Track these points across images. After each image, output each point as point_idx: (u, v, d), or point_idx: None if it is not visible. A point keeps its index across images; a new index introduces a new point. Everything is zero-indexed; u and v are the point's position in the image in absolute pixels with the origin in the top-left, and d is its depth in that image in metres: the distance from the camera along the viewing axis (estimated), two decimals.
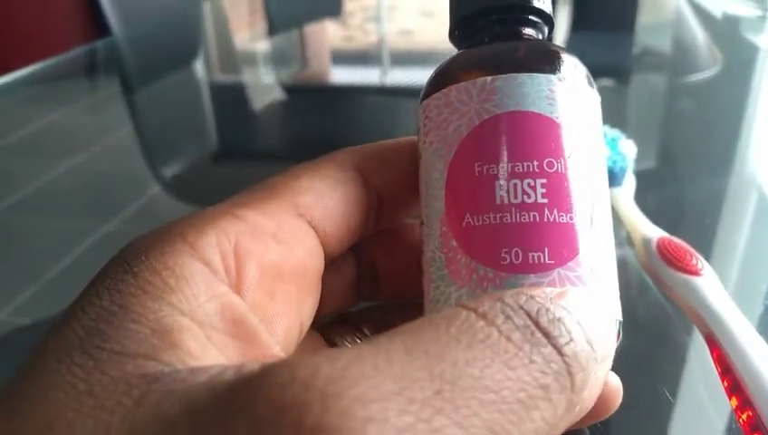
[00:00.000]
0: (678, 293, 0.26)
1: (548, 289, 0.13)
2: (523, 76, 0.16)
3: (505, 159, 0.15)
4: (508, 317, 0.12)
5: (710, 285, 0.25)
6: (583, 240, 0.15)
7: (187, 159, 0.60)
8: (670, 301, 0.27)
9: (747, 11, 0.77)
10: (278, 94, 0.78)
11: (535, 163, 0.15)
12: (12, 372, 0.12)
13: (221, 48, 0.97)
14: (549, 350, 0.11)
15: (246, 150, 0.64)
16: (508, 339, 0.11)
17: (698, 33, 0.80)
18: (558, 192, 0.15)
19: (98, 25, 0.91)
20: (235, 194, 0.16)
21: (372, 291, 0.20)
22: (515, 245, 0.15)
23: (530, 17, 0.18)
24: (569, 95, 0.16)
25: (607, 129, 0.35)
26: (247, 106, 0.75)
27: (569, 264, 0.15)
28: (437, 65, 0.18)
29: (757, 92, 0.59)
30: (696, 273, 0.26)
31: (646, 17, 0.86)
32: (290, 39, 1.02)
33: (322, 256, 0.17)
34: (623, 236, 0.32)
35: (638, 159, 0.37)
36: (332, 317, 0.20)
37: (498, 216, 0.15)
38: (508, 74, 0.16)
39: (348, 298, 0.20)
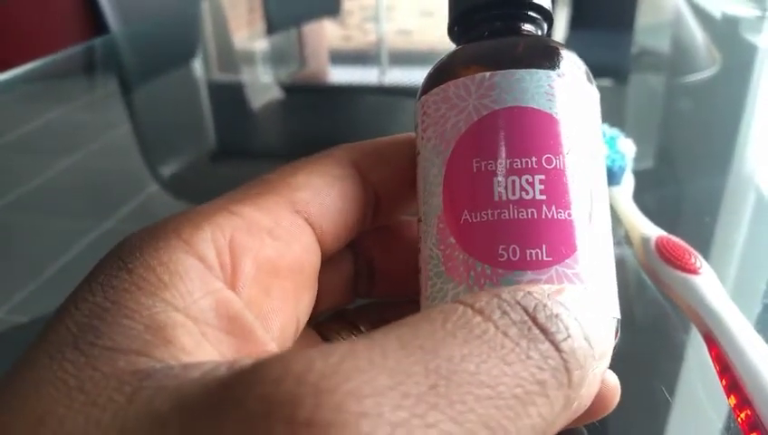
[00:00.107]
0: (677, 291, 0.26)
1: (545, 286, 0.13)
2: (522, 72, 0.16)
3: (504, 155, 0.15)
4: (505, 313, 0.11)
5: (709, 284, 0.25)
6: (581, 237, 0.15)
7: (185, 158, 0.60)
8: (669, 299, 0.27)
9: (746, 11, 0.77)
10: (276, 93, 0.78)
11: (534, 159, 0.15)
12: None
13: (219, 47, 0.96)
14: (546, 346, 0.11)
15: (245, 149, 0.64)
16: (505, 335, 0.11)
17: (697, 34, 0.80)
18: (556, 189, 0.15)
19: (96, 23, 0.91)
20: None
21: (369, 288, 0.20)
22: (513, 241, 0.15)
23: (529, 13, 0.18)
24: (568, 91, 0.16)
25: (606, 127, 0.35)
26: (246, 105, 0.75)
27: (566, 261, 0.15)
28: (434, 64, 0.18)
29: (756, 93, 0.59)
30: (694, 271, 0.26)
31: (645, 17, 0.86)
32: (288, 38, 1.02)
33: (319, 252, 0.17)
34: (621, 234, 0.32)
35: (637, 159, 0.37)
36: (329, 314, 0.20)
37: (496, 212, 0.15)
38: (507, 70, 0.16)
39: (344, 295, 0.20)
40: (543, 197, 0.15)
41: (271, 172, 0.17)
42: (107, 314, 0.12)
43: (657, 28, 0.88)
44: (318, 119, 0.67)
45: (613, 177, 0.34)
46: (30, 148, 0.62)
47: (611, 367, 0.14)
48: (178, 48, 0.86)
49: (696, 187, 0.45)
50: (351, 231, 0.18)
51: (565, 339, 0.12)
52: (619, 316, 0.16)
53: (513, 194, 0.15)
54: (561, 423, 0.12)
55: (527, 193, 0.15)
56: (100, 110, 0.73)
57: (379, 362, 0.10)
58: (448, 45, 0.19)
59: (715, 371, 0.23)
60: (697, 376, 0.26)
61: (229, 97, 0.77)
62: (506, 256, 0.15)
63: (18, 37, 1.21)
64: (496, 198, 0.15)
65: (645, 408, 0.25)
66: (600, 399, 0.14)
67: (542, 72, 0.16)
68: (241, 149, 0.63)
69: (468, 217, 0.15)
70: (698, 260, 0.27)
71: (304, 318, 0.17)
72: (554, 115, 0.15)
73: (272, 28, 1.03)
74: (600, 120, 0.17)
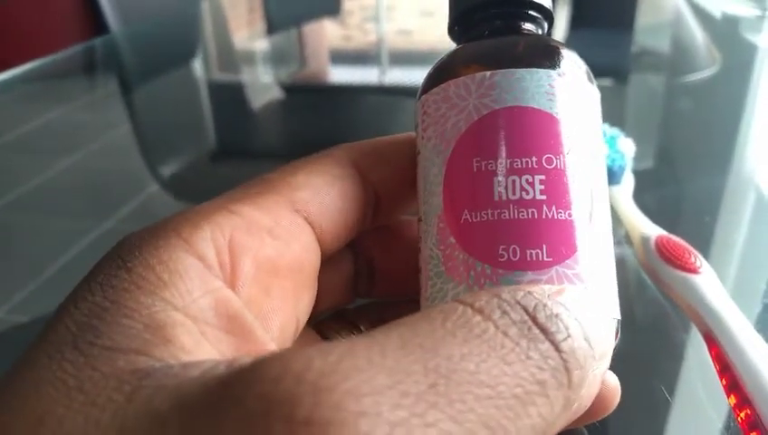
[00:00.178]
0: (677, 291, 0.26)
1: (546, 286, 0.13)
2: (523, 71, 0.16)
3: (504, 154, 0.15)
4: (505, 313, 0.11)
5: (709, 284, 0.25)
6: (582, 238, 0.15)
7: (185, 158, 0.60)
8: (669, 299, 0.27)
9: (746, 11, 0.77)
10: (276, 93, 0.78)
11: (534, 159, 0.15)
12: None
13: (220, 47, 0.96)
14: (546, 346, 0.11)
15: (245, 149, 0.64)
16: (505, 334, 0.11)
17: (697, 33, 0.80)
18: (556, 189, 0.15)
19: (96, 23, 0.91)
20: None
21: (369, 288, 0.20)
22: (513, 241, 0.15)
23: (529, 12, 0.17)
24: (568, 91, 0.16)
25: (606, 127, 0.35)
26: (246, 105, 0.75)
27: (567, 261, 0.14)
28: (434, 64, 0.18)
29: (756, 92, 0.59)
30: (694, 271, 0.26)
31: (645, 17, 0.86)
32: (288, 38, 1.02)
33: (319, 252, 0.17)
34: (621, 234, 0.32)
35: (637, 159, 0.37)
36: (329, 314, 0.20)
37: (496, 212, 0.15)
38: (507, 69, 0.16)
39: (344, 295, 0.20)
40: (544, 197, 0.15)
41: (271, 172, 0.17)
42: (106, 314, 0.12)
43: (657, 28, 0.88)
44: (318, 119, 0.67)
45: (613, 176, 0.34)
46: (30, 148, 0.62)
47: (611, 367, 0.14)
48: (178, 48, 0.86)
49: (696, 186, 0.45)
50: (351, 231, 0.18)
51: (565, 339, 0.12)
52: (620, 317, 0.16)
53: (514, 194, 0.15)
54: (561, 424, 0.12)
55: (527, 193, 0.15)
56: (100, 110, 0.73)
57: (377, 360, 0.10)
58: (448, 45, 0.19)
59: (715, 370, 0.23)
60: (697, 376, 0.26)
61: (229, 97, 0.77)
62: (506, 256, 0.15)
63: (18, 37, 1.21)
64: (496, 198, 0.15)
65: (645, 407, 0.25)
66: (600, 399, 0.14)
67: (542, 72, 0.16)
68: (241, 149, 0.63)
69: (468, 216, 0.15)
70: (698, 260, 0.27)
71: (304, 318, 0.17)
72: (555, 115, 0.15)
73: (272, 28, 1.03)
74: (600, 120, 0.17)
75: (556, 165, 0.15)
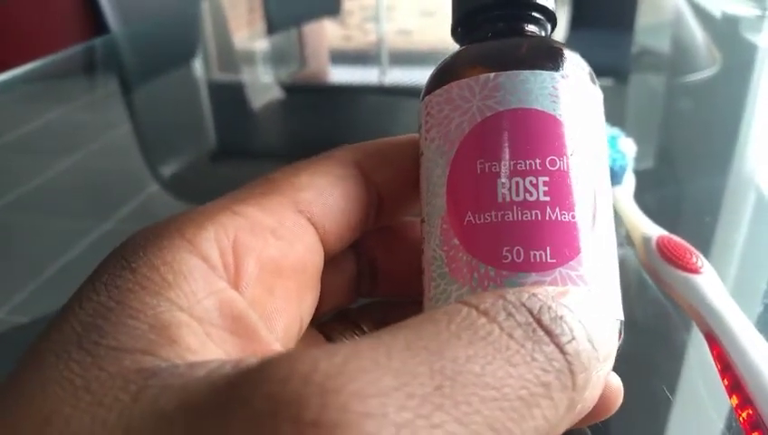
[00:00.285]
0: (678, 291, 0.26)
1: (550, 287, 0.13)
2: (526, 73, 0.16)
3: (507, 156, 0.15)
4: (510, 314, 0.11)
5: (710, 283, 0.25)
6: (585, 239, 0.15)
7: (185, 158, 0.60)
8: (670, 299, 0.27)
9: (747, 11, 0.77)
10: (277, 93, 0.78)
11: (538, 161, 0.15)
12: (10, 370, 0.12)
13: (220, 47, 0.96)
14: (551, 348, 0.11)
15: (245, 149, 0.64)
16: (510, 336, 0.11)
17: (697, 33, 0.80)
18: (560, 190, 0.15)
19: (96, 23, 0.91)
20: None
21: (372, 288, 0.20)
22: (517, 243, 0.15)
23: (532, 14, 0.17)
24: (572, 92, 0.16)
25: (607, 127, 0.35)
26: (246, 105, 0.75)
27: (570, 263, 0.14)
28: (437, 65, 0.18)
29: (756, 92, 0.59)
30: (695, 271, 0.26)
31: (645, 17, 0.86)
32: (289, 38, 1.02)
33: (322, 252, 0.17)
34: (622, 234, 0.32)
35: (638, 159, 0.37)
36: (332, 314, 0.20)
37: (500, 214, 0.15)
38: (511, 71, 0.16)
39: (347, 295, 0.20)
40: (547, 198, 0.15)
41: (273, 172, 0.17)
42: (111, 314, 0.12)
43: (657, 28, 0.88)
44: (318, 119, 0.67)
45: (614, 176, 0.34)
46: (30, 148, 0.62)
47: (613, 368, 0.14)
48: (179, 48, 0.86)
49: (696, 186, 0.45)
50: (354, 231, 0.18)
51: (570, 341, 0.12)
52: (622, 318, 0.16)
53: (517, 195, 0.15)
54: (565, 425, 0.12)
55: (531, 195, 0.15)
56: (101, 110, 0.73)
57: (383, 362, 0.10)
58: (449, 45, 0.19)
59: (716, 370, 0.23)
60: (699, 376, 0.26)
61: (229, 97, 0.77)
62: (510, 257, 0.15)
63: (18, 37, 1.21)
64: (500, 200, 0.15)
65: (647, 407, 0.25)
66: (602, 400, 0.14)
67: (546, 74, 0.16)
68: (241, 149, 0.63)
69: (472, 218, 0.15)
70: (699, 260, 0.27)
71: (307, 318, 0.17)
72: (558, 117, 0.15)
73: (272, 28, 1.03)
74: (603, 121, 0.17)
75: (560, 166, 0.15)
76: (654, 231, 0.30)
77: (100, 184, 0.56)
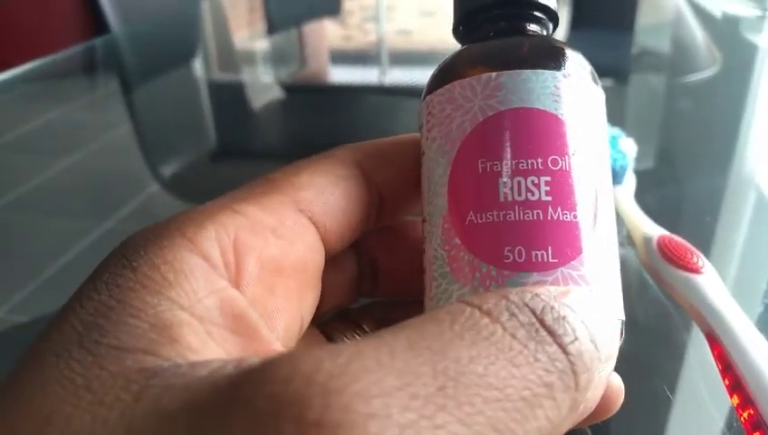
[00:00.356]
0: (679, 291, 0.26)
1: (552, 287, 0.13)
2: (528, 72, 0.16)
3: (509, 156, 0.15)
4: (513, 315, 0.11)
5: (711, 283, 0.25)
6: (587, 239, 0.15)
7: (185, 158, 0.60)
8: (671, 299, 0.27)
9: (747, 11, 0.77)
10: (277, 93, 0.78)
11: (539, 160, 0.15)
12: (9, 369, 0.12)
13: (220, 47, 0.96)
14: (554, 348, 0.11)
15: (245, 149, 0.64)
16: (513, 336, 0.11)
17: (698, 33, 0.80)
18: (562, 190, 0.15)
19: (96, 23, 0.91)
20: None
21: (372, 288, 0.20)
22: (519, 243, 0.15)
23: (534, 13, 0.17)
24: (573, 92, 0.16)
25: (607, 127, 0.35)
26: (246, 105, 0.75)
27: (572, 263, 0.14)
28: (437, 65, 0.18)
29: (756, 92, 0.59)
30: (696, 271, 0.26)
31: (645, 17, 0.86)
32: (289, 38, 1.02)
33: (323, 251, 0.17)
34: (623, 234, 0.32)
35: (638, 159, 0.37)
36: (332, 314, 0.20)
37: (502, 213, 0.15)
38: (513, 70, 0.16)
39: (348, 295, 0.20)
40: (549, 198, 0.15)
41: (274, 172, 0.17)
42: (112, 313, 0.12)
43: (657, 28, 0.88)
44: (318, 119, 0.67)
45: (615, 176, 0.34)
46: (30, 148, 0.62)
47: (614, 367, 0.14)
48: (179, 48, 0.86)
49: (696, 186, 0.45)
50: (355, 231, 0.18)
51: (572, 342, 0.12)
52: (624, 318, 0.16)
53: (519, 195, 0.15)
54: (567, 426, 0.12)
55: (533, 194, 0.15)
56: (101, 110, 0.73)
57: (387, 362, 0.10)
58: (449, 46, 0.19)
59: (717, 370, 0.23)
60: (700, 375, 0.26)
61: (229, 97, 0.77)
62: (512, 257, 0.15)
63: (18, 37, 1.21)
64: (502, 199, 0.15)
65: (648, 407, 0.25)
66: (604, 400, 0.14)
67: (547, 73, 0.16)
68: (241, 149, 0.63)
69: (474, 217, 0.15)
70: (700, 259, 0.27)
71: (308, 317, 0.17)
72: (560, 116, 0.15)
73: (272, 28, 1.03)
74: (605, 121, 0.17)
75: (561, 166, 0.15)
76: (655, 231, 0.30)
77: (100, 184, 0.56)
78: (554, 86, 0.16)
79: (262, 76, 0.86)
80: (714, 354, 0.23)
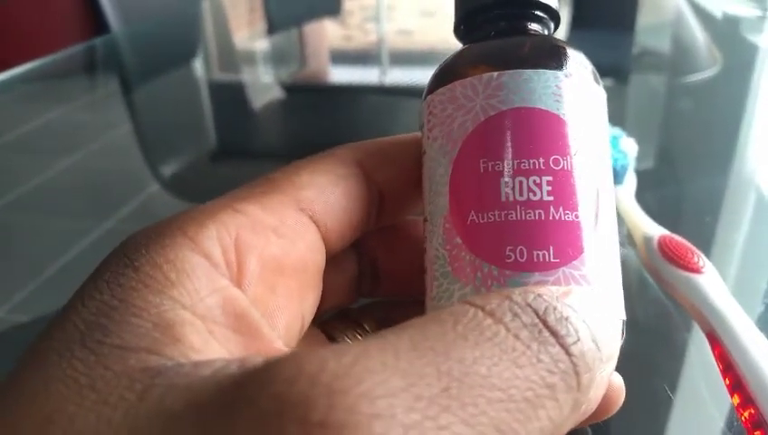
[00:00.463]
0: (680, 290, 0.26)
1: (554, 287, 0.13)
2: (530, 72, 0.16)
3: (511, 155, 0.15)
4: (516, 315, 0.11)
5: (712, 283, 0.25)
6: (588, 239, 0.15)
7: (185, 158, 0.60)
8: (671, 299, 0.27)
9: (747, 11, 0.77)
10: (277, 93, 0.78)
11: (541, 160, 0.15)
12: (9, 369, 0.12)
13: (220, 47, 0.96)
14: (556, 349, 0.11)
15: (245, 149, 0.64)
16: (516, 337, 0.11)
17: (698, 34, 0.80)
18: (564, 190, 0.15)
19: (97, 23, 0.91)
20: None
21: (373, 288, 0.20)
22: (520, 243, 0.15)
23: (536, 12, 0.17)
24: (575, 92, 0.16)
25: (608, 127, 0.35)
26: (246, 105, 0.75)
27: (573, 262, 0.14)
28: (437, 65, 0.18)
29: (756, 92, 0.59)
30: (697, 270, 0.26)
31: (645, 17, 0.86)
32: (289, 38, 1.02)
33: (324, 251, 0.17)
34: (624, 234, 0.32)
35: (638, 159, 0.37)
36: (333, 313, 0.20)
37: (503, 213, 0.15)
38: (514, 70, 0.16)
39: (349, 295, 0.20)
40: (551, 198, 0.15)
41: (274, 171, 0.17)
42: (114, 313, 0.12)
43: (657, 28, 0.88)
44: (318, 119, 0.67)
45: (616, 176, 0.34)
46: (30, 148, 0.62)
47: (615, 367, 0.14)
48: (179, 48, 0.86)
49: (696, 186, 0.45)
50: (356, 230, 0.18)
51: (575, 342, 0.12)
52: (625, 317, 0.16)
53: (521, 195, 0.15)
54: (568, 425, 0.12)
55: (534, 194, 0.15)
56: (101, 110, 0.73)
57: (391, 363, 0.10)
58: (449, 45, 0.19)
59: (718, 369, 0.23)
60: (700, 375, 0.26)
61: (230, 97, 0.77)
62: (513, 257, 0.15)
63: (18, 37, 1.21)
64: (503, 199, 0.15)
65: (648, 407, 0.25)
66: (604, 400, 0.14)
67: (549, 73, 0.16)
68: (241, 149, 0.63)
69: (475, 217, 0.15)
70: (701, 259, 0.27)
71: (309, 316, 0.17)
72: (562, 116, 0.15)
73: (272, 28, 1.03)
74: (606, 121, 0.17)
75: (563, 166, 0.15)
76: (655, 231, 0.30)
77: (100, 184, 0.56)
78: (556, 86, 0.16)
79: (262, 76, 0.86)
80: (714, 354, 0.23)
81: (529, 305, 0.12)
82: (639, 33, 0.82)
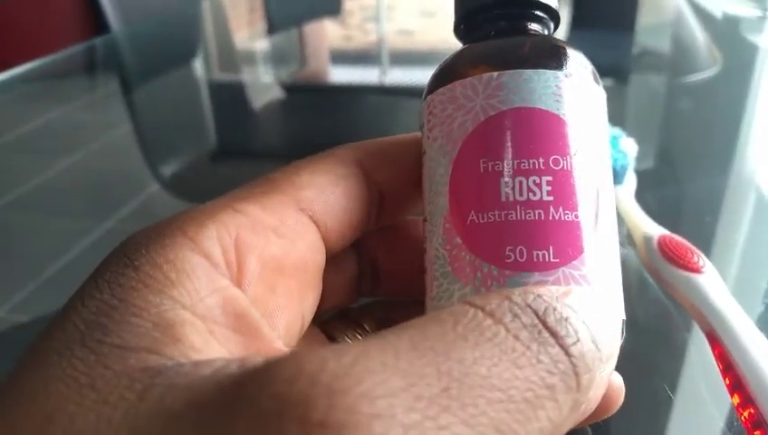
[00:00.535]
0: (680, 290, 0.26)
1: (553, 288, 0.13)
2: (530, 72, 0.16)
3: (511, 155, 0.15)
4: (516, 316, 0.11)
5: (711, 283, 0.25)
6: (588, 239, 0.15)
7: (185, 158, 0.60)
8: (671, 299, 0.27)
9: (747, 11, 0.77)
10: (277, 93, 0.78)
11: (541, 160, 0.15)
12: (9, 369, 0.12)
13: (220, 47, 0.96)
14: (556, 350, 0.11)
15: (245, 149, 0.64)
16: (516, 338, 0.11)
17: (698, 34, 0.80)
18: (563, 190, 0.15)
19: (97, 23, 0.91)
20: None
21: (373, 288, 0.20)
22: (520, 243, 0.15)
23: (536, 12, 0.17)
24: (575, 92, 0.16)
25: (608, 127, 0.35)
26: (246, 105, 0.75)
27: (573, 262, 0.14)
28: (437, 65, 0.18)
29: (756, 92, 0.59)
30: (697, 270, 0.26)
31: (645, 17, 0.86)
32: (289, 38, 1.02)
33: (324, 250, 0.17)
34: (624, 234, 0.32)
35: (638, 159, 0.37)
36: (333, 313, 0.20)
37: (503, 213, 0.15)
38: (515, 70, 0.16)
39: (348, 295, 0.20)
40: (551, 198, 0.15)
41: (274, 171, 0.17)
42: (115, 312, 0.12)
43: (657, 28, 0.88)
44: (318, 119, 0.67)
45: (616, 176, 0.34)
46: (30, 148, 0.62)
47: (615, 367, 0.14)
48: (179, 48, 0.86)
49: (696, 186, 0.45)
50: (356, 230, 0.18)
51: (575, 343, 0.12)
52: (624, 317, 0.16)
53: (521, 195, 0.15)
54: (568, 426, 0.12)
55: (534, 194, 0.15)
56: (101, 110, 0.73)
57: (391, 363, 0.10)
58: (449, 45, 0.19)
59: (717, 369, 0.23)
60: (700, 375, 0.26)
61: (230, 97, 0.77)
62: (513, 257, 0.15)
63: (18, 37, 1.21)
64: (503, 199, 0.15)
65: (648, 407, 0.25)
66: (604, 400, 0.14)
67: (549, 73, 0.16)
68: (241, 149, 0.63)
69: (475, 217, 0.15)
70: (701, 259, 0.27)
71: (309, 316, 0.17)
72: (562, 116, 0.15)
73: (272, 28, 1.03)
74: (606, 121, 0.17)
75: (563, 166, 0.15)
76: (655, 230, 0.30)
77: (100, 184, 0.56)
78: (556, 86, 0.16)
79: (262, 76, 0.86)
80: (714, 354, 0.23)
81: (529, 306, 0.12)
82: (639, 33, 0.82)
